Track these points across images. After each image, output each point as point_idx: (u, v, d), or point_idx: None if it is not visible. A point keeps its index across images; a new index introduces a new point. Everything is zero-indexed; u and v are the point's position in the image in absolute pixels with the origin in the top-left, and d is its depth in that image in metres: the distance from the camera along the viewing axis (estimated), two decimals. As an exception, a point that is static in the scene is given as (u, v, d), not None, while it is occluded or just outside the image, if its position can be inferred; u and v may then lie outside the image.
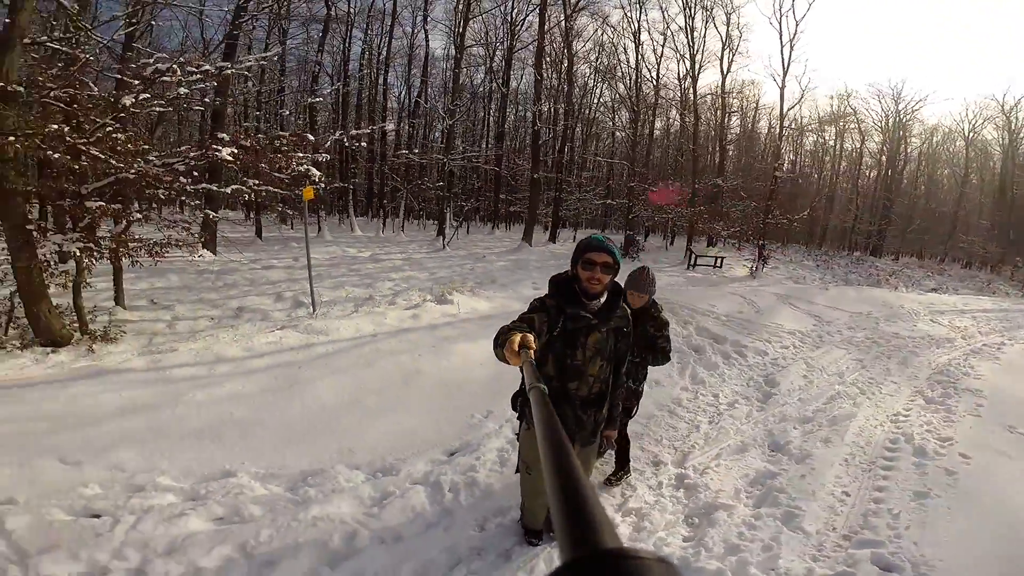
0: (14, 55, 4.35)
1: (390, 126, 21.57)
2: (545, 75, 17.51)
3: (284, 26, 17.33)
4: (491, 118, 26.24)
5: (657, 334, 2.90)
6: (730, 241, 20.22)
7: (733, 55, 20.42)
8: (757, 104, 31.02)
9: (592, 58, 22.83)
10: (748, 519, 2.76)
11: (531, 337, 1.40)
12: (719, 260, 14.94)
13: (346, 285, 9.31)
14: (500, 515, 2.75)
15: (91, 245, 5.50)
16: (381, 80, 22.74)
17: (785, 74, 19.19)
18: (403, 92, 25.20)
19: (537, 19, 15.10)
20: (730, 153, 27.48)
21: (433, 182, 19.82)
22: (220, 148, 5.27)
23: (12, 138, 4.51)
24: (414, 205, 22.32)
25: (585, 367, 2.14)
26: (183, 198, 6.23)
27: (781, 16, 19.02)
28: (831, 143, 32.90)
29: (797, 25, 19.40)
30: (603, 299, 2.15)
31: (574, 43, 18.67)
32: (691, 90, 19.71)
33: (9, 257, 5.40)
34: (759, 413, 4.10)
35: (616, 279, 2.18)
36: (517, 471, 2.47)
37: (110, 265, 6.71)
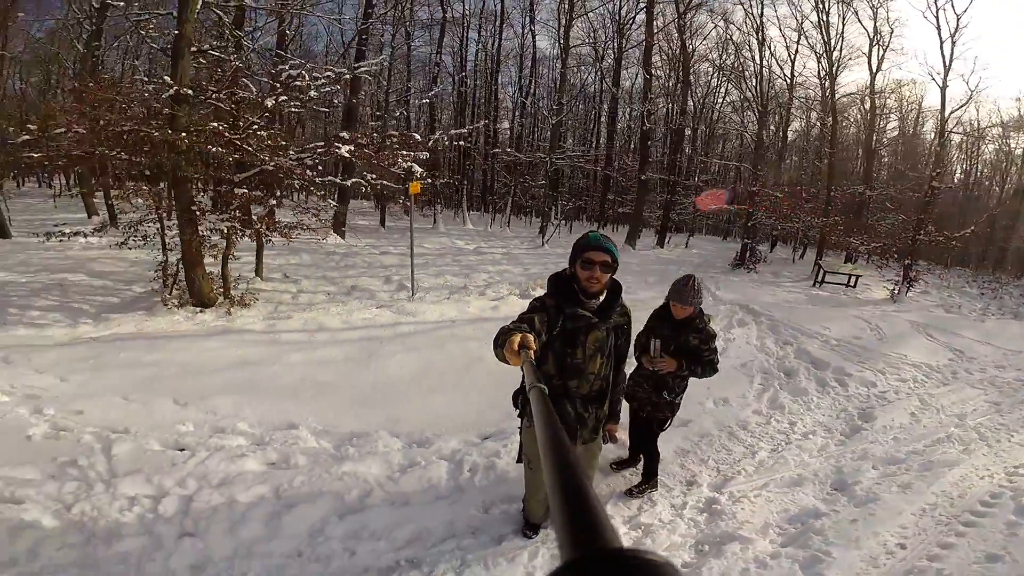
0: (184, 62, 5.40)
1: (502, 124, 22.38)
2: (661, 73, 16.84)
3: (409, 29, 18.79)
4: (604, 117, 25.93)
5: (703, 347, 2.73)
6: (872, 258, 17.71)
7: (884, 52, 17.74)
8: (919, 106, 26.51)
9: (714, 56, 21.37)
10: (763, 557, 2.50)
11: (531, 337, 1.43)
12: (853, 278, 13.16)
13: (446, 274, 9.91)
14: (507, 502, 2.82)
15: (236, 225, 6.55)
16: (494, 79, 23.60)
17: (946, 73, 16.18)
18: (515, 91, 25.93)
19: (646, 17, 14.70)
20: (884, 159, 23.93)
21: (539, 180, 20.13)
22: (340, 146, 6.00)
23: (184, 134, 5.56)
24: (521, 202, 22.89)
25: (585, 365, 2.15)
26: (311, 188, 7.14)
27: (938, 10, 16.01)
28: (1018, 152, 26.94)
29: (958, 20, 16.24)
30: (602, 297, 2.14)
31: (692, 40, 17.70)
32: (829, 90, 17.55)
33: (178, 231, 6.66)
34: (836, 447, 3.62)
35: (615, 276, 2.16)
36: (518, 461, 2.53)
37: (254, 242, 7.93)
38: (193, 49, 5.65)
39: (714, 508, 2.89)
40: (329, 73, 6.37)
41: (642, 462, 3.13)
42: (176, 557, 2.30)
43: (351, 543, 2.48)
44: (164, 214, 6.71)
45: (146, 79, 5.99)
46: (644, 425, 3.00)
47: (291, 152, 6.68)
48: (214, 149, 5.71)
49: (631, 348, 2.52)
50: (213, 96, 5.71)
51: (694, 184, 21.74)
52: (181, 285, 6.91)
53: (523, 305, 6.99)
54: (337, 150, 6.00)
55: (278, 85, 6.09)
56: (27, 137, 6.76)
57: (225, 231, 6.50)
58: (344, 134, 6.73)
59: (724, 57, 20.29)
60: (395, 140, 7.14)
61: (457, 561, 2.40)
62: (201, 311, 6.64)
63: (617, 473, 3.23)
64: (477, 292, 8.26)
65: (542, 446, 0.52)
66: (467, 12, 21.90)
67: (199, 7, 5.43)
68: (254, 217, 7.08)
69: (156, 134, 5.32)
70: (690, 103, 20.53)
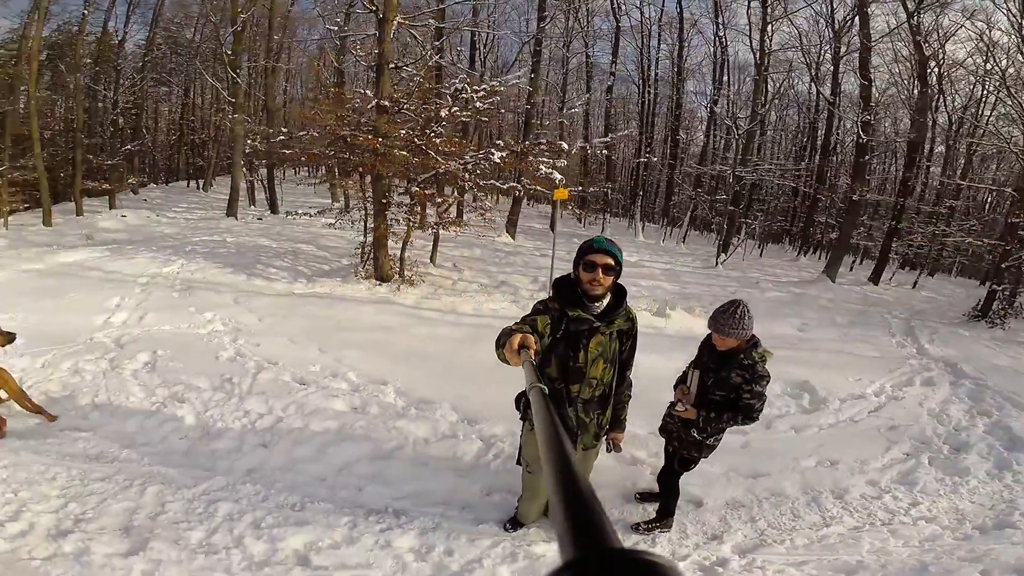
0: (384, 77, 6.68)
1: (696, 135, 21.11)
2: (897, 80, 13.74)
3: (586, 39, 19.08)
4: (816, 130, 22.32)
5: (745, 387, 2.36)
6: None
7: None
8: None
9: (973, 60, 16.39)
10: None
11: (531, 338, 1.45)
12: None
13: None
14: (510, 493, 2.91)
15: (410, 217, 7.81)
16: (679, 88, 22.30)
17: None
18: (706, 100, 24.13)
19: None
20: None
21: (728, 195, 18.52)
22: (494, 152, 6.70)
23: (380, 139, 6.89)
24: (709, 218, 21.33)
25: (587, 369, 2.13)
26: (475, 189, 8.08)
27: None
28: None
29: None
30: (606, 301, 2.10)
31: (938, 44, 13.96)
32: None
33: (373, 219, 8.23)
34: (952, 541, 2.72)
35: (619, 280, 2.12)
36: (518, 463, 2.58)
37: (432, 232, 9.30)
38: (391, 66, 6.96)
39: (716, 571, 2.50)
40: (485, 87, 7.15)
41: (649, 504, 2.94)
42: (243, 460, 3.14)
43: (363, 482, 2.98)
44: (368, 204, 8.40)
45: (362, 92, 7.54)
46: (668, 459, 2.77)
47: (465, 157, 7.66)
48: (400, 153, 6.92)
49: (635, 355, 2.39)
50: (405, 107, 6.95)
51: (931, 210, 17.29)
52: (371, 262, 8.51)
53: (650, 323, 6.82)
54: (491, 156, 6.71)
55: (450, 98, 7.09)
56: (282, 138, 9.17)
57: (401, 221, 7.79)
58: (500, 141, 7.45)
59: (987, 63, 15.54)
60: (542, 147, 7.58)
61: (431, 523, 2.67)
62: (379, 284, 8.11)
63: (640, 504, 3.03)
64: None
65: (542, 446, 0.53)
66: (647, 19, 21.21)
67: (394, 29, 6.68)
68: (430, 212, 8.35)
69: (361, 139, 6.73)
70: (942, 115, 16.35)
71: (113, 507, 2.62)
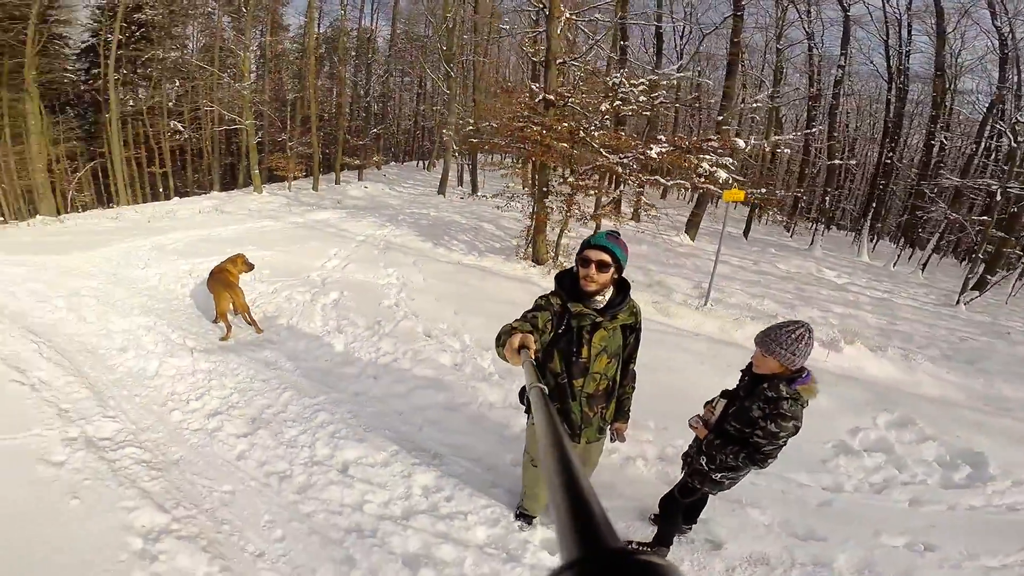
0: (551, 72, 7.09)
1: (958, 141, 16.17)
2: None
3: (808, 29, 15.92)
4: None
5: (760, 422, 2.07)
6: None
7: None
8: None
9: None
10: None
11: (531, 338, 1.45)
12: None
13: (771, 299, 8.93)
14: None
15: (566, 205, 8.20)
16: (946, 86, 17.05)
17: None
18: (976, 99, 17.97)
19: None
20: None
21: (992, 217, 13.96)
22: (652, 147, 6.56)
23: (544, 131, 7.40)
24: (955, 241, 16.41)
25: (590, 364, 2.12)
26: (634, 184, 8.04)
27: None
28: None
29: None
30: (608, 295, 2.07)
31: None
32: None
33: (535, 205, 8.87)
34: None
35: (621, 277, 2.09)
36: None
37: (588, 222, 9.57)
38: (559, 62, 7.31)
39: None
40: (642, 81, 6.89)
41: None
42: (355, 384, 4.02)
43: (425, 424, 3.59)
44: (532, 191, 9.10)
45: (534, 86, 8.11)
46: (677, 485, 2.60)
47: (630, 152, 7.68)
48: (561, 144, 7.33)
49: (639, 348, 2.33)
50: (571, 101, 7.29)
51: None
52: (532, 245, 9.22)
53: (812, 357, 5.97)
54: (648, 151, 6.57)
55: (609, 92, 7.12)
56: (470, 128, 10.38)
57: (555, 209, 8.26)
58: (661, 136, 7.18)
59: None
60: (711, 144, 7.01)
61: (454, 471, 3.07)
62: (534, 266, 8.78)
63: (652, 524, 2.90)
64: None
65: (543, 446, 0.54)
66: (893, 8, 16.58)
67: (561, 26, 6.96)
68: (587, 203, 8.62)
69: (527, 130, 7.34)
70: None
71: (257, 402, 3.80)
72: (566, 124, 7.11)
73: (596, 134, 7.01)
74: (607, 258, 1.96)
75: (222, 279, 5.20)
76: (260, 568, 2.43)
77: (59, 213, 17.30)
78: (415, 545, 2.60)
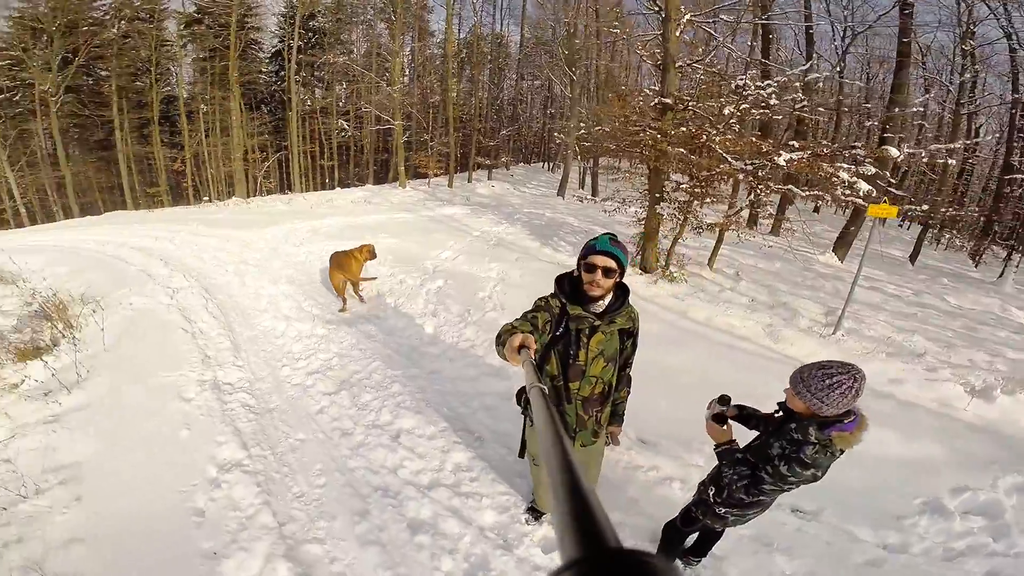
0: (669, 75, 6.72)
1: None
2: None
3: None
4: None
5: (774, 462, 1.85)
6: None
7: None
8: None
9: None
10: None
11: (531, 338, 1.47)
12: None
13: (922, 335, 7.49)
14: None
15: (681, 214, 7.78)
16: None
17: None
18: None
19: None
20: None
21: None
22: (782, 153, 5.89)
23: (660, 136, 7.11)
24: None
25: (587, 367, 2.11)
26: (761, 194, 7.34)
27: None
28: None
29: None
30: (607, 300, 2.05)
31: None
32: None
33: (647, 211, 8.55)
34: None
35: (620, 281, 2.04)
36: (520, 456, 2.68)
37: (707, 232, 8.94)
38: (678, 65, 6.89)
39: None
40: (770, 82, 6.08)
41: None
42: (434, 363, 4.50)
43: (479, 410, 3.80)
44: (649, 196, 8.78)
45: (649, 91, 7.77)
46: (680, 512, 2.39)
47: (756, 158, 7.04)
48: (677, 150, 6.98)
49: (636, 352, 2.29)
50: (690, 105, 6.87)
51: None
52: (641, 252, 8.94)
53: (946, 402, 4.87)
54: (777, 158, 5.90)
55: (734, 96, 6.50)
56: (583, 132, 10.26)
57: (666, 216, 7.88)
58: (794, 143, 6.37)
59: None
60: (855, 152, 6.01)
61: (486, 453, 3.16)
62: (640, 273, 8.50)
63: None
64: (925, 370, 6.03)
65: (543, 446, 0.55)
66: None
67: (681, 28, 6.52)
68: (708, 212, 8.04)
69: (643, 135, 7.12)
70: None
71: (349, 367, 4.32)
72: (683, 128, 6.74)
73: (718, 139, 6.52)
74: (613, 264, 1.93)
75: (336, 260, 6.05)
76: (293, 507, 2.87)
77: (249, 196, 21.03)
78: (426, 513, 2.82)
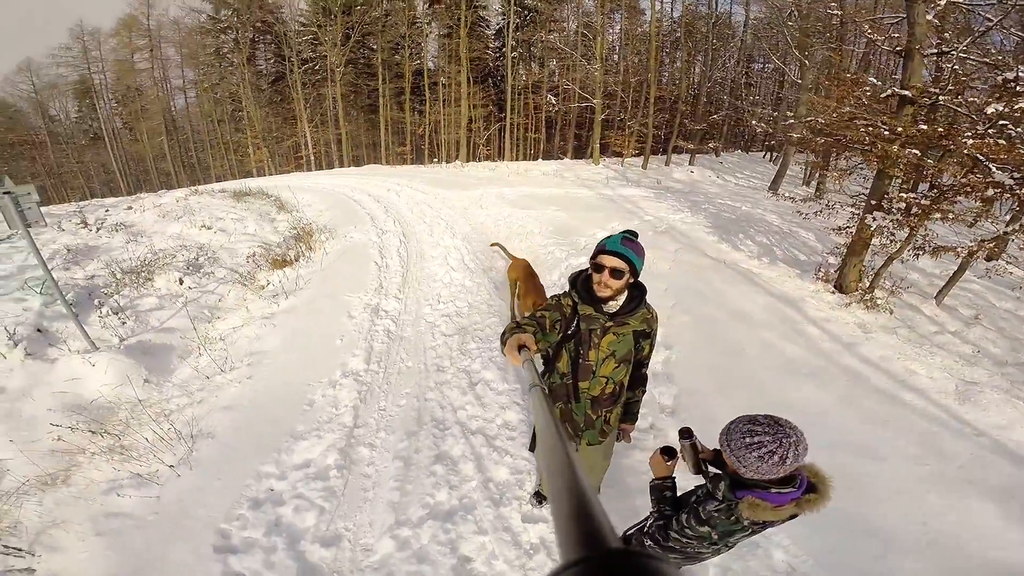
0: (914, 63, 5.28)
1: None
2: None
3: None
4: None
5: (685, 510, 1.66)
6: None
7: None
8: None
9: None
10: None
11: (531, 338, 1.49)
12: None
13: None
14: None
15: (903, 225, 6.29)
16: None
17: None
18: None
19: None
20: None
21: None
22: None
23: (888, 132, 5.81)
24: None
25: (597, 368, 2.05)
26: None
27: None
28: None
29: None
30: (621, 300, 1.94)
31: None
32: None
33: (858, 219, 7.09)
34: None
35: (637, 281, 1.93)
36: (531, 449, 2.64)
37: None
38: (928, 53, 5.31)
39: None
40: None
41: None
42: None
43: None
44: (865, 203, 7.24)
45: (874, 80, 6.20)
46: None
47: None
48: (910, 151, 5.66)
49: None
50: (940, 99, 5.35)
51: None
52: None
53: None
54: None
55: (1002, 91, 4.73)
56: (791, 121, 8.68)
57: (877, 229, 6.48)
58: None
59: None
60: None
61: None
62: (832, 292, 7.22)
63: None
64: None
65: (543, 447, 0.55)
66: None
67: (935, 9, 4.91)
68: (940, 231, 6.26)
69: (864, 130, 5.91)
70: None
71: (472, 317, 4.91)
72: (925, 127, 5.37)
73: (971, 143, 5.01)
74: (622, 264, 1.82)
75: (533, 280, 4.72)
76: (372, 416, 3.47)
77: (467, 160, 23.75)
78: (456, 451, 3.13)
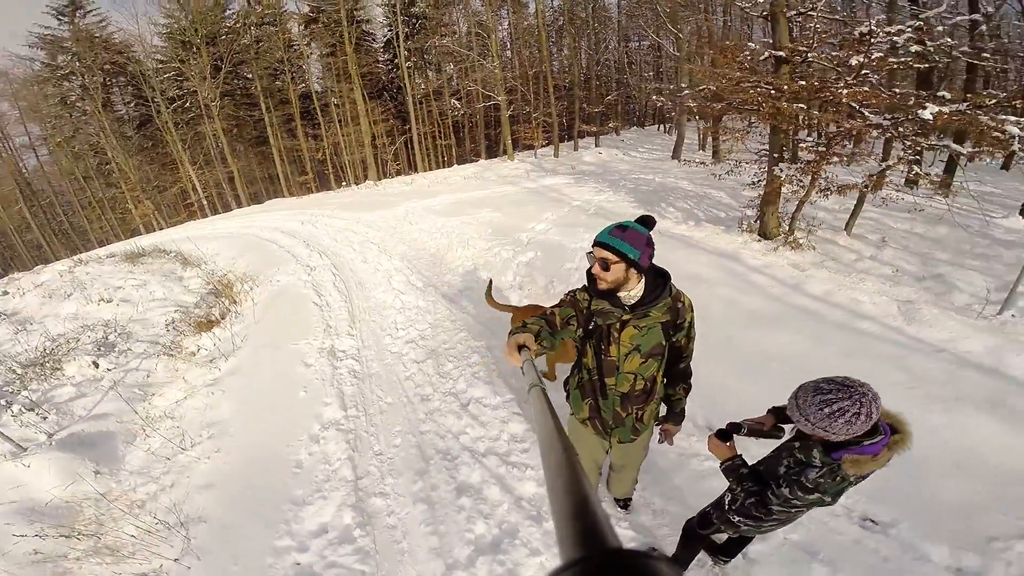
0: (780, 26, 5.82)
1: None
2: None
3: None
4: None
5: (781, 481, 1.64)
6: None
7: None
8: None
9: None
10: None
11: (531, 338, 1.48)
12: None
13: None
14: None
15: (797, 174, 6.88)
16: None
17: None
18: None
19: None
20: None
21: None
22: (925, 107, 4.84)
23: (774, 91, 6.30)
24: None
25: (620, 363, 1.98)
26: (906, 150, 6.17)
27: None
28: None
29: None
30: (639, 291, 1.85)
31: None
32: None
33: (766, 173, 7.68)
34: None
35: (658, 268, 1.89)
36: None
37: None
38: (792, 13, 5.90)
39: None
40: (904, 27, 4.80)
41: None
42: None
43: None
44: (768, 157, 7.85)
45: (759, 44, 6.79)
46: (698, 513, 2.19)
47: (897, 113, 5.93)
48: (796, 106, 6.15)
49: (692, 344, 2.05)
50: (810, 57, 5.91)
51: None
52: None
53: None
54: (920, 112, 4.83)
55: (857, 43, 5.39)
56: (687, 91, 9.31)
57: (784, 178, 7.04)
58: (945, 93, 5.10)
59: None
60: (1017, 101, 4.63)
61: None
62: (758, 240, 7.76)
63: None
64: None
65: (542, 447, 0.54)
66: None
67: None
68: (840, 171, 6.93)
69: (754, 91, 6.36)
70: None
71: (439, 337, 4.74)
72: (804, 82, 5.88)
73: (845, 92, 5.55)
74: (608, 255, 1.76)
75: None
76: (371, 463, 3.25)
77: (379, 179, 23.00)
78: (475, 479, 3.01)
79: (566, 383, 2.39)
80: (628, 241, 1.77)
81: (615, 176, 13.39)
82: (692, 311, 2.01)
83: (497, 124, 25.82)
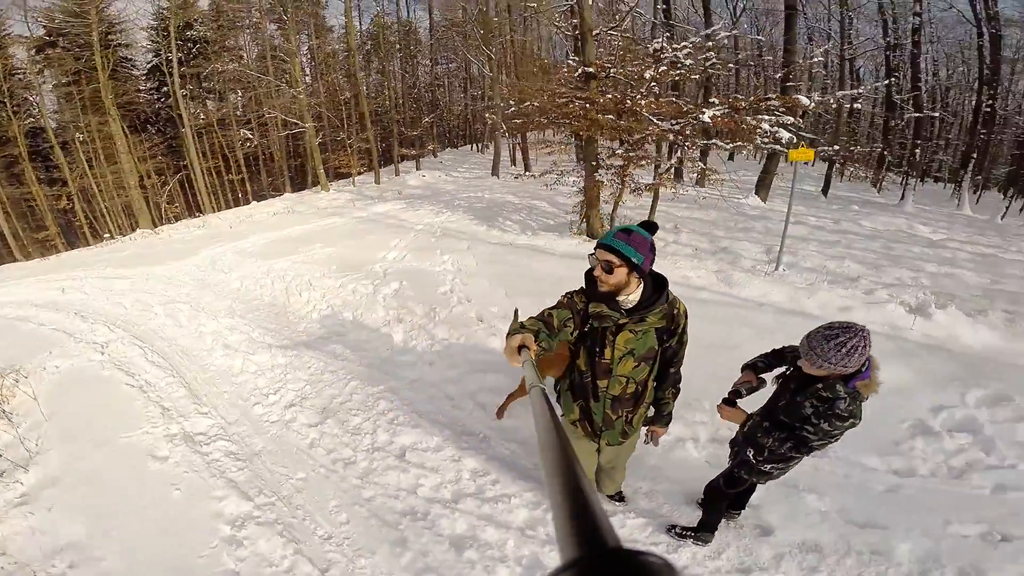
0: (588, 45, 6.79)
1: None
2: None
3: None
4: None
5: (814, 419, 1.92)
6: None
7: None
8: None
9: None
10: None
11: (530, 338, 1.46)
12: None
13: (850, 259, 8.17)
14: None
15: (616, 177, 7.94)
16: None
17: None
18: None
19: None
20: None
21: None
22: (704, 111, 6.15)
23: (588, 104, 7.16)
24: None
25: (614, 366, 2.01)
26: (689, 150, 7.63)
27: None
28: None
29: None
30: (637, 295, 1.90)
31: None
32: None
33: (585, 180, 8.67)
34: None
35: (656, 274, 1.96)
36: None
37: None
38: (595, 33, 6.98)
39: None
40: (685, 44, 6.37)
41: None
42: (412, 371, 4.26)
43: (475, 409, 3.72)
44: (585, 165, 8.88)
45: (571, 61, 7.81)
46: (722, 474, 2.46)
47: (681, 118, 7.26)
48: (606, 117, 7.07)
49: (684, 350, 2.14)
50: (613, 72, 6.98)
51: None
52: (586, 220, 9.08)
53: (894, 325, 5.40)
54: (701, 115, 6.15)
55: (651, 59, 6.71)
56: (512, 109, 10.22)
57: (607, 182, 8.05)
58: (715, 99, 6.68)
59: None
60: (770, 104, 6.42)
61: (498, 453, 3.19)
62: (589, 240, 8.64)
63: (698, 509, 2.84)
64: (864, 293, 6.60)
65: (542, 446, 0.54)
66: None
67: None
68: (641, 173, 8.25)
69: (572, 105, 7.14)
70: None
71: (326, 392, 4.09)
72: (610, 96, 6.82)
73: (643, 103, 6.65)
74: (613, 258, 1.80)
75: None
76: (328, 550, 2.68)
77: (155, 225, 19.24)
78: (462, 527, 2.75)
79: (556, 384, 2.39)
80: (633, 245, 1.80)
81: (446, 197, 13.57)
82: (686, 318, 2.07)
83: (299, 154, 23.91)
